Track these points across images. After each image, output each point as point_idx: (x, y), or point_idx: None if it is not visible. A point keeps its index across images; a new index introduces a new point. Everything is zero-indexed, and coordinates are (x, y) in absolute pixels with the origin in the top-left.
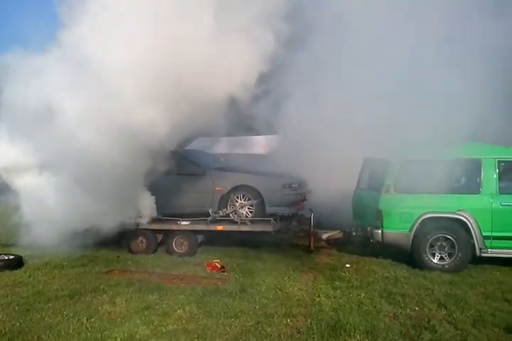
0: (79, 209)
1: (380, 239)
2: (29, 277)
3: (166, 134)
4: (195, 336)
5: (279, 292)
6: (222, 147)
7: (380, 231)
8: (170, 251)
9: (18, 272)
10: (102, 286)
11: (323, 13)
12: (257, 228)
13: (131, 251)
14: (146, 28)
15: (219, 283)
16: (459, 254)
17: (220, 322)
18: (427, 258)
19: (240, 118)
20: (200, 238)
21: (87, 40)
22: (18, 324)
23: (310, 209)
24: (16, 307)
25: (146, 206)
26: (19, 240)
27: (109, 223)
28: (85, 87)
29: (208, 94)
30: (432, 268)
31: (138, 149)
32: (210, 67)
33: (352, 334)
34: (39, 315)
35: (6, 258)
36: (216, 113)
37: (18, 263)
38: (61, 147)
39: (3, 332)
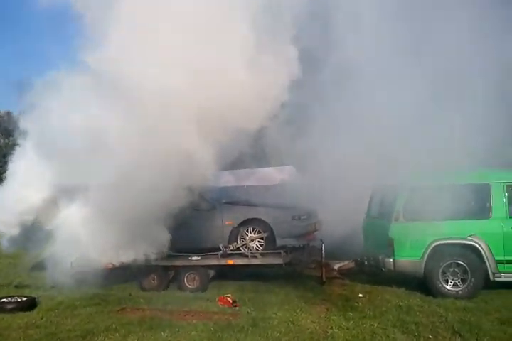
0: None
1: (392, 268)
2: (42, 318)
3: (205, 166)
4: None
5: (292, 325)
6: (230, 179)
7: (391, 260)
8: (182, 287)
9: (31, 313)
10: (114, 325)
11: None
12: (268, 261)
13: (143, 289)
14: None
15: (231, 318)
16: (472, 280)
17: None
18: (440, 285)
19: (252, 149)
20: (211, 273)
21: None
22: None
23: (321, 240)
24: None
25: (158, 242)
26: (32, 281)
27: (124, 258)
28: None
29: (241, 125)
30: (445, 294)
31: (178, 180)
32: (245, 97)
33: None
34: None
35: (19, 300)
36: (243, 144)
37: (31, 304)
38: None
39: None
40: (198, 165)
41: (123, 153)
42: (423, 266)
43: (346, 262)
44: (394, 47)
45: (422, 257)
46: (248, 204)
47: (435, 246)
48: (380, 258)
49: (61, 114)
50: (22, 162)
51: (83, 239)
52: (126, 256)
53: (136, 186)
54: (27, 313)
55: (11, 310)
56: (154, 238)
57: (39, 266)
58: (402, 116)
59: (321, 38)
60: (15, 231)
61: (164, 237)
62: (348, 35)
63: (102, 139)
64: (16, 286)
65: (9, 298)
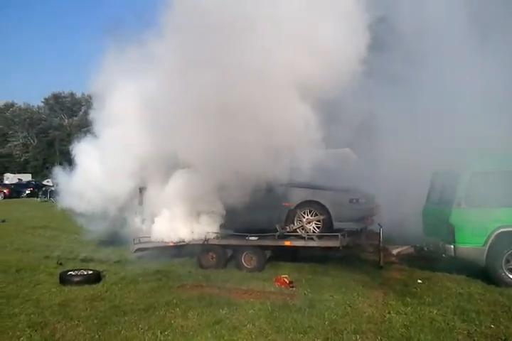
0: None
1: (453, 254)
2: (106, 291)
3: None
4: None
5: (349, 308)
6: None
7: (452, 246)
8: (239, 266)
9: (96, 286)
10: (174, 300)
11: None
12: (325, 243)
13: (201, 266)
14: None
15: (288, 298)
16: None
17: (289, 337)
18: (503, 273)
19: None
20: (268, 253)
21: None
22: (97, 336)
23: (379, 224)
24: (95, 321)
25: (218, 221)
26: (97, 255)
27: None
28: None
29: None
30: (508, 284)
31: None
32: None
33: None
34: (116, 328)
35: (85, 273)
36: None
37: (96, 278)
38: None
39: None
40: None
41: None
42: (485, 253)
43: (405, 247)
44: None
45: (485, 244)
46: (306, 186)
47: (499, 233)
48: (441, 244)
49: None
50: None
51: (146, 216)
52: (187, 235)
53: (234, 164)
54: (92, 286)
55: (78, 283)
56: (214, 217)
57: (104, 242)
58: (466, 102)
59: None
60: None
61: (223, 217)
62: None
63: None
64: (82, 260)
65: (76, 271)
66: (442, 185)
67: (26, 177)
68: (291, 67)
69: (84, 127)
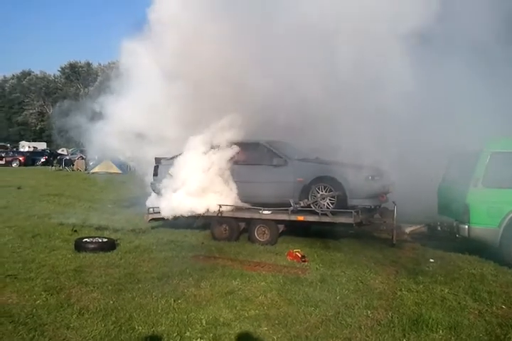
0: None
1: (467, 235)
2: (121, 259)
3: None
4: (277, 322)
5: (360, 284)
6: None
7: (466, 227)
8: (252, 239)
9: (111, 254)
10: (188, 270)
11: None
12: (339, 219)
13: (214, 238)
14: None
15: (299, 272)
16: None
17: (301, 310)
18: None
19: None
20: (281, 227)
21: None
22: (111, 302)
23: (393, 202)
24: (109, 287)
25: (232, 194)
26: (112, 224)
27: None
28: None
29: None
30: None
31: None
32: None
33: (434, 329)
34: (130, 295)
35: (100, 240)
36: None
37: (111, 245)
38: None
39: (99, 309)
40: None
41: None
42: (500, 234)
43: (418, 226)
44: None
45: (499, 226)
46: (321, 162)
47: None
48: (455, 224)
49: None
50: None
51: (162, 187)
52: (201, 207)
53: None
54: (107, 254)
55: (93, 250)
56: (228, 190)
57: (118, 211)
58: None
59: None
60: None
61: (237, 190)
62: None
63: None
64: (97, 228)
65: (91, 239)
66: (460, 165)
67: (41, 146)
68: None
69: (99, 97)
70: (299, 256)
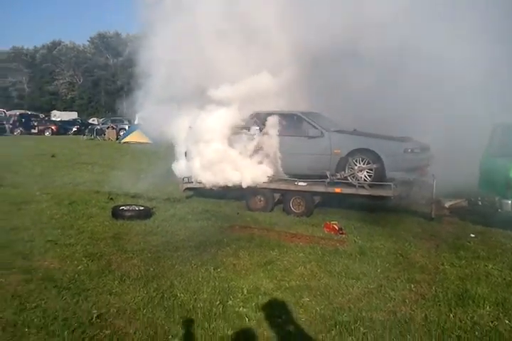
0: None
1: (510, 210)
2: (157, 227)
3: None
4: (318, 293)
5: (401, 257)
6: None
7: (509, 202)
8: (287, 211)
9: (148, 222)
10: (225, 240)
11: None
12: (377, 192)
13: (249, 209)
14: None
15: (338, 244)
16: None
17: (342, 282)
18: None
19: None
20: (317, 199)
21: None
22: (151, 269)
23: (433, 175)
24: (149, 254)
25: (267, 164)
26: (147, 193)
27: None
28: None
29: None
30: None
31: None
32: None
33: (481, 305)
34: (170, 263)
35: (137, 209)
36: None
37: (147, 214)
38: None
39: (140, 275)
40: None
41: None
42: None
43: (458, 200)
44: None
45: None
46: (358, 134)
47: None
48: (497, 199)
49: None
50: None
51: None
52: (236, 177)
53: None
54: (143, 222)
55: (129, 218)
56: (263, 161)
57: (153, 181)
58: None
59: None
60: None
61: (273, 161)
62: None
63: None
64: (132, 196)
65: (127, 207)
66: (503, 138)
67: (72, 115)
68: None
69: (129, 67)
70: (336, 228)
